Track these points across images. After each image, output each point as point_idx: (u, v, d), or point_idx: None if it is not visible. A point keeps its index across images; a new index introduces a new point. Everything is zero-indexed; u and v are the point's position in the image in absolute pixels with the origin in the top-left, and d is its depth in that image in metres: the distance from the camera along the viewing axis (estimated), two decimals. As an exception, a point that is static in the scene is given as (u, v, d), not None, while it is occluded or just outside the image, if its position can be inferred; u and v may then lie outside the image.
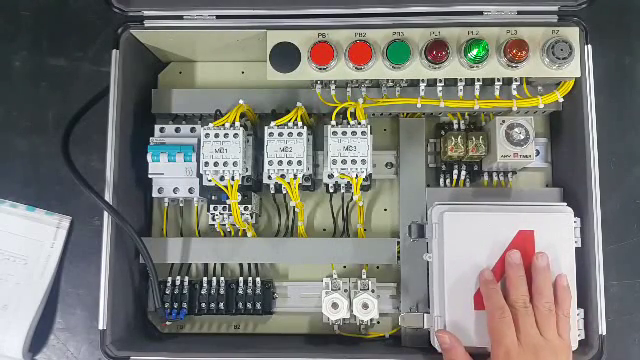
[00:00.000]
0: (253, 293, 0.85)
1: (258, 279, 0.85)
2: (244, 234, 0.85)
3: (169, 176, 0.84)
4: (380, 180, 0.89)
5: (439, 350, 0.75)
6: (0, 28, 0.95)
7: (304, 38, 0.78)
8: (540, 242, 0.75)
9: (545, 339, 0.70)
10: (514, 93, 0.80)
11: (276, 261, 0.88)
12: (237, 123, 0.79)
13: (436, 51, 0.76)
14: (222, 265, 0.88)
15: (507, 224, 0.76)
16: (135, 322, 0.84)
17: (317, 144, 0.84)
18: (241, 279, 0.85)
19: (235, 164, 0.78)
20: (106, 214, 0.79)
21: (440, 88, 0.80)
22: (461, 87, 0.80)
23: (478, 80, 0.79)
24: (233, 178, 0.78)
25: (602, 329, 0.76)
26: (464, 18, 0.79)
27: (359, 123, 0.78)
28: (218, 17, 0.82)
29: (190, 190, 0.85)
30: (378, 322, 0.85)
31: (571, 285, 0.74)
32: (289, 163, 0.77)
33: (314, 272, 0.87)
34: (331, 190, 0.85)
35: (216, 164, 0.78)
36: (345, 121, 0.79)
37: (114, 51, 0.81)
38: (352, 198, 0.86)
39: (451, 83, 0.80)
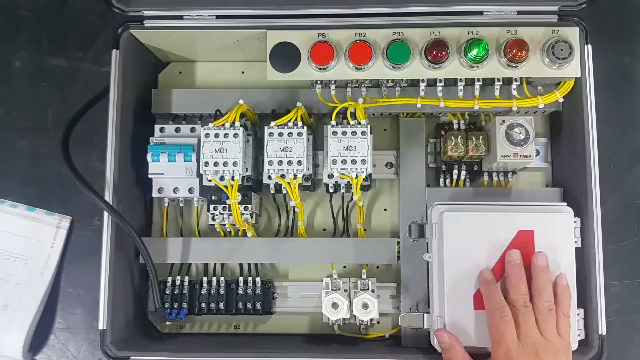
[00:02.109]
0: (253, 293, 0.85)
1: (258, 279, 0.85)
2: (244, 234, 0.85)
3: (169, 176, 0.84)
4: (380, 180, 0.89)
5: (439, 350, 0.75)
6: (0, 28, 0.95)
7: (304, 38, 0.78)
8: (540, 242, 0.75)
9: (545, 339, 0.70)
10: (514, 93, 0.80)
11: (276, 261, 0.88)
12: (237, 123, 0.79)
13: (436, 51, 0.76)
14: (222, 265, 0.88)
15: (507, 224, 0.76)
16: (135, 322, 0.84)
17: (317, 144, 0.85)
18: (241, 279, 0.85)
19: (235, 164, 0.78)
20: (106, 214, 0.79)
21: (440, 88, 0.80)
22: (461, 87, 0.80)
23: (478, 80, 0.79)
24: (233, 178, 0.78)
25: (602, 329, 0.76)
26: (464, 18, 0.79)
27: (359, 123, 0.78)
28: (218, 17, 0.82)
29: (190, 190, 0.85)
30: (378, 322, 0.85)
31: (571, 285, 0.74)
32: (289, 163, 0.77)
33: (314, 272, 0.87)
34: (331, 190, 0.85)
35: (216, 164, 0.78)
36: (345, 121, 0.79)
37: (114, 51, 0.81)
38: (352, 198, 0.86)
39: (451, 83, 0.80)
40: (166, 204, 0.88)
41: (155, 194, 0.85)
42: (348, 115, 0.79)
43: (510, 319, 0.70)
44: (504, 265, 0.74)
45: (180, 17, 0.82)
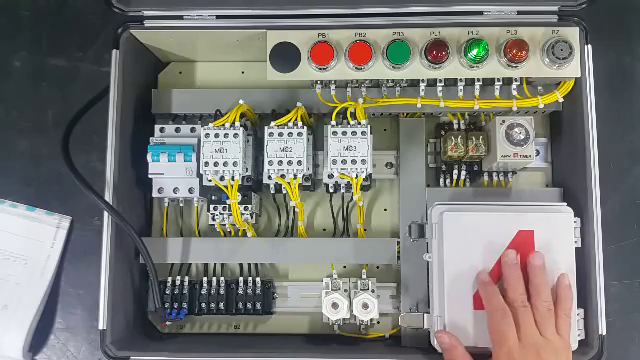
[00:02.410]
0: (253, 293, 0.85)
1: (258, 279, 0.85)
2: (244, 234, 0.85)
3: (169, 176, 0.84)
4: (380, 180, 0.89)
5: (439, 350, 0.75)
6: (0, 28, 0.95)
7: (304, 38, 0.78)
8: (540, 242, 0.75)
9: (545, 338, 0.70)
10: (514, 93, 0.80)
11: (276, 261, 0.88)
12: (237, 123, 0.79)
13: (436, 51, 0.76)
14: (222, 265, 0.88)
15: (507, 224, 0.76)
16: (135, 322, 0.84)
17: (317, 144, 0.85)
18: (241, 279, 0.85)
19: (235, 164, 0.78)
20: (106, 214, 0.79)
21: (440, 88, 0.80)
22: (461, 87, 0.80)
23: (478, 80, 0.79)
24: (233, 178, 0.78)
25: (602, 329, 0.76)
26: (464, 18, 0.79)
27: (359, 123, 0.78)
28: (218, 17, 0.82)
29: (190, 190, 0.85)
30: (378, 322, 0.85)
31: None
32: (289, 163, 0.77)
33: (314, 272, 0.87)
34: (331, 190, 0.85)
35: (216, 164, 0.78)
36: (345, 121, 0.79)
37: (114, 51, 0.81)
38: (352, 198, 0.86)
39: (451, 83, 0.80)
40: (166, 204, 0.88)
41: (155, 194, 0.85)
42: (348, 115, 0.79)
43: (511, 320, 0.70)
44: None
45: (180, 17, 0.82)
